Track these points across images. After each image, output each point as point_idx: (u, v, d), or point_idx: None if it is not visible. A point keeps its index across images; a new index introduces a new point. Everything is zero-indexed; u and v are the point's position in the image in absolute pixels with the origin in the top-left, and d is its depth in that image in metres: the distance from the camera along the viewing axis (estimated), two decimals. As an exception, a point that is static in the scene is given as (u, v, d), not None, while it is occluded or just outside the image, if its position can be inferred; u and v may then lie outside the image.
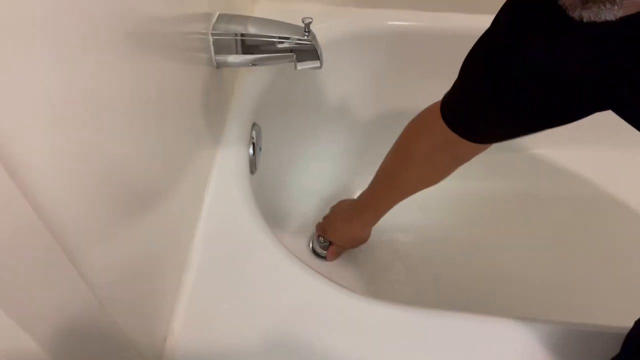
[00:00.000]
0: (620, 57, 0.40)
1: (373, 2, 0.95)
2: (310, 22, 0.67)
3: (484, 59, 0.53)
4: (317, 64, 0.70)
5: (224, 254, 0.63)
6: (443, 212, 1.05)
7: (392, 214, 1.03)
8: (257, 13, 0.93)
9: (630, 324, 0.50)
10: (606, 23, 0.31)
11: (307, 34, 0.68)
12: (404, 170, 0.72)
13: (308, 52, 0.69)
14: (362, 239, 0.89)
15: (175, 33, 0.53)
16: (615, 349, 0.50)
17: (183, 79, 0.57)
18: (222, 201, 0.68)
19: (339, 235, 0.88)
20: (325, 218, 0.91)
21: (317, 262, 0.96)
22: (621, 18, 0.31)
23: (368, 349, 0.56)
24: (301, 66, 0.70)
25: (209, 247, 0.64)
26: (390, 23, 0.95)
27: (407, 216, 1.03)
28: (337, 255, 0.93)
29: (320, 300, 0.60)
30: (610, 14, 0.30)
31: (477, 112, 0.58)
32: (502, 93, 0.52)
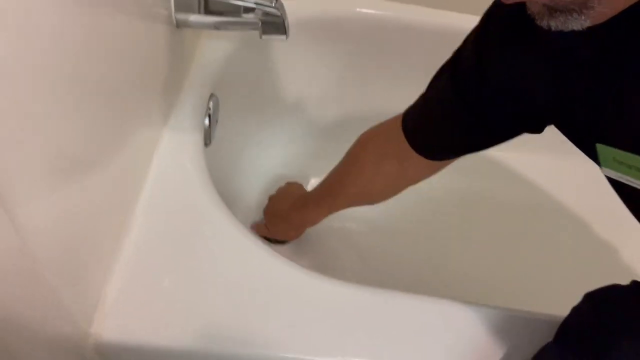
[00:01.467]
0: (577, 75, 0.41)
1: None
2: (278, -11, 0.65)
3: (450, 74, 0.54)
4: (283, 35, 0.67)
5: (169, 224, 0.60)
6: (395, 205, 1.04)
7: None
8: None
9: (565, 312, 0.51)
10: (566, 39, 0.32)
11: (275, 1, 0.65)
12: (352, 174, 0.70)
13: (274, 21, 0.66)
14: (295, 236, 0.87)
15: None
16: (552, 335, 0.51)
17: (137, 34, 0.53)
18: (171, 170, 0.64)
19: (274, 227, 0.85)
20: (268, 205, 0.88)
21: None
22: (586, 31, 0.31)
23: (312, 324, 0.54)
24: (266, 35, 0.67)
25: (153, 215, 0.60)
26: (359, 10, 0.94)
27: (358, 207, 1.03)
28: (259, 234, 0.87)
29: (278, 279, 0.57)
30: (577, 23, 0.30)
31: (436, 124, 0.58)
32: (462, 107, 0.53)
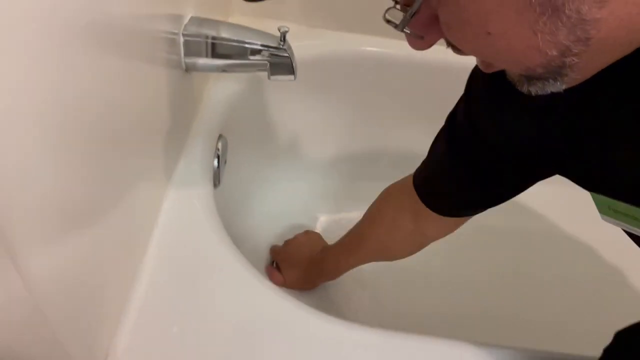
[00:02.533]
0: (560, 131, 0.42)
1: (350, 27, 0.95)
2: (286, 32, 0.65)
3: (446, 135, 0.55)
4: (291, 75, 0.68)
5: (180, 269, 0.59)
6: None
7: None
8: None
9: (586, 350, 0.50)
10: (546, 97, 0.33)
11: (282, 43, 0.66)
12: (372, 228, 0.71)
13: (282, 62, 0.67)
14: (308, 288, 0.85)
15: (142, 31, 0.50)
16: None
17: (148, 79, 0.53)
18: (181, 214, 0.63)
19: (290, 277, 0.83)
20: (284, 251, 0.86)
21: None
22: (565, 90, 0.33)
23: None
24: (274, 77, 0.67)
25: (163, 261, 0.58)
26: (365, 49, 0.95)
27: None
28: (278, 282, 0.86)
29: (289, 323, 0.56)
30: (554, 87, 0.32)
31: (443, 185, 0.59)
32: (461, 168, 0.54)
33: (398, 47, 0.94)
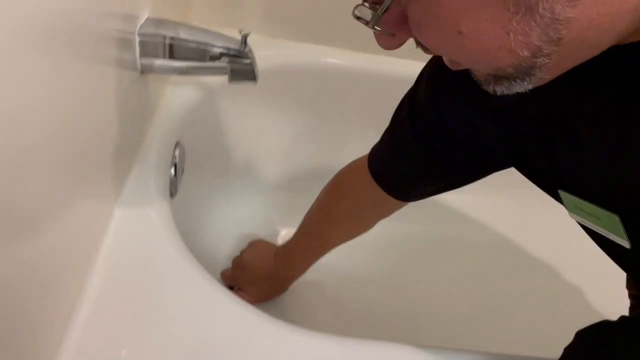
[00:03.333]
0: (527, 129, 0.43)
1: (311, 38, 0.94)
2: (247, 35, 0.63)
3: (408, 116, 0.55)
4: (252, 81, 0.66)
5: (132, 281, 0.54)
6: (370, 254, 1.02)
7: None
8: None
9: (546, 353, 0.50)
10: (513, 96, 0.33)
11: (244, 47, 0.64)
12: (328, 228, 0.72)
13: (244, 68, 0.65)
14: (279, 293, 0.83)
15: (91, 28, 0.46)
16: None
17: (97, 79, 0.50)
18: (134, 223, 0.59)
19: (255, 294, 0.79)
20: (237, 275, 0.82)
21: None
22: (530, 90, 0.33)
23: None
24: (235, 80, 0.65)
25: (113, 274, 0.54)
26: (326, 60, 0.94)
27: (333, 256, 0.99)
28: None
29: (253, 334, 0.53)
30: (520, 87, 0.32)
31: (403, 169, 0.59)
32: (423, 153, 0.55)
33: (358, 59, 0.94)
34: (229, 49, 0.63)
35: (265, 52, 0.89)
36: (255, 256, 0.83)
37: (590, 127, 0.37)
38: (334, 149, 1.04)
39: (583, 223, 0.43)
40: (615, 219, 0.38)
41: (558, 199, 0.45)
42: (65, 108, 0.42)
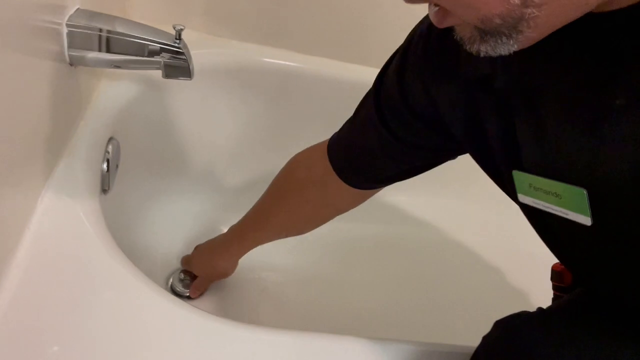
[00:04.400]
0: (491, 105, 0.42)
1: (251, 37, 0.94)
2: (182, 30, 0.63)
3: (374, 101, 0.55)
4: (187, 74, 0.65)
5: (55, 278, 0.53)
6: (311, 252, 1.03)
7: (260, 253, 0.98)
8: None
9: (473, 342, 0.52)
10: (480, 69, 0.34)
11: (178, 42, 0.64)
12: (275, 203, 0.70)
13: (179, 63, 0.65)
14: (227, 272, 0.83)
15: (14, 17, 0.46)
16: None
17: (17, 69, 0.49)
18: (60, 218, 0.58)
19: (203, 266, 0.82)
20: (193, 252, 0.85)
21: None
22: (499, 62, 0.33)
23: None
24: (170, 76, 0.65)
25: (34, 270, 0.53)
26: (267, 60, 0.95)
27: (275, 255, 1.00)
28: (201, 291, 0.85)
29: (187, 330, 0.53)
30: (505, 48, 0.31)
31: (361, 152, 0.58)
32: (386, 134, 0.54)
33: (300, 60, 0.95)
34: (163, 44, 0.63)
35: (206, 50, 0.89)
36: (205, 243, 0.83)
37: (559, 101, 0.37)
38: (277, 149, 1.04)
39: (536, 205, 0.42)
40: (582, 192, 0.37)
41: (507, 184, 0.44)
42: None
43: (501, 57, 0.34)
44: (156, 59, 0.63)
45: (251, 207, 0.75)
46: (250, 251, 0.87)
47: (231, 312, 0.90)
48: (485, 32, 0.31)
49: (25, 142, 0.53)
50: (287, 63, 0.94)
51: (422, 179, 1.07)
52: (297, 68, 0.95)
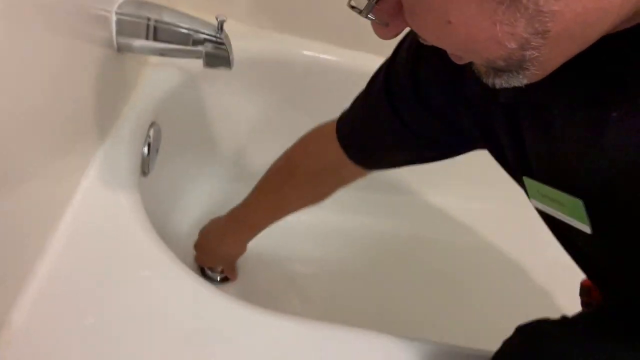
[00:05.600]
0: (500, 113, 0.44)
1: (295, 30, 0.96)
2: (224, 21, 0.65)
3: (384, 84, 0.55)
4: (227, 67, 0.67)
5: (93, 251, 0.56)
6: (342, 248, 1.04)
7: (290, 245, 1.00)
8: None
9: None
10: None
11: (220, 32, 0.66)
12: (287, 187, 0.71)
13: (219, 53, 0.67)
14: (238, 254, 0.84)
15: (66, 3, 0.49)
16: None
17: (71, 53, 0.52)
18: (100, 197, 0.61)
19: (213, 257, 0.83)
20: (197, 246, 0.85)
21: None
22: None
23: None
24: (210, 65, 0.67)
25: (74, 241, 0.56)
26: (307, 53, 0.95)
27: (305, 248, 1.01)
28: (234, 272, 0.88)
29: (214, 313, 0.55)
30: (517, 81, 0.33)
31: (373, 137, 0.59)
32: (397, 120, 0.54)
33: (340, 54, 0.95)
34: (206, 34, 0.65)
35: (246, 42, 0.91)
36: (207, 229, 0.84)
37: (566, 117, 0.38)
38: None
39: (544, 210, 0.44)
40: (579, 203, 0.39)
41: (522, 185, 0.46)
42: (39, 77, 0.44)
43: None
44: (199, 48, 0.65)
45: (257, 185, 0.75)
46: (281, 242, 0.89)
47: (258, 300, 0.92)
48: (497, 70, 0.33)
49: (72, 121, 0.56)
50: (328, 57, 0.95)
51: (459, 180, 1.07)
52: (337, 61, 0.95)
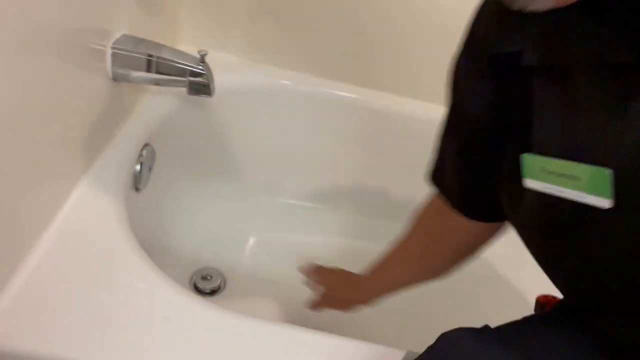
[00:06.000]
0: (515, 83, 0.43)
1: (289, 64, 1.04)
2: (205, 55, 0.74)
3: (451, 134, 0.55)
4: (208, 92, 0.76)
5: (75, 254, 0.64)
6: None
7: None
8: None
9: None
10: (509, 51, 0.37)
11: (202, 64, 0.75)
12: (427, 273, 0.69)
13: (201, 82, 0.75)
14: (358, 307, 0.82)
15: (66, 38, 0.59)
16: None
17: (68, 81, 0.62)
18: (87, 208, 0.69)
19: (342, 294, 0.82)
20: (328, 295, 0.83)
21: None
22: (528, 41, 0.36)
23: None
24: (193, 92, 0.76)
25: (59, 246, 0.64)
26: (285, 82, 1.03)
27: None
28: (320, 309, 0.85)
29: (196, 323, 0.60)
30: (541, 3, 0.33)
31: (478, 190, 0.55)
32: (470, 163, 0.53)
33: (322, 84, 1.02)
34: (188, 65, 0.74)
35: (242, 73, 1.01)
36: (341, 284, 0.82)
37: (588, 82, 0.37)
38: (307, 168, 1.13)
39: (545, 190, 0.40)
40: (605, 173, 0.36)
41: (511, 177, 0.44)
42: (39, 97, 0.54)
43: (533, 33, 0.37)
44: (181, 80, 0.74)
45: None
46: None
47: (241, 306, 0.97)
48: None
49: (66, 140, 0.65)
50: (304, 88, 1.03)
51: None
52: (315, 92, 1.03)
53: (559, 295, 0.54)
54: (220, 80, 0.79)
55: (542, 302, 0.60)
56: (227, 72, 0.96)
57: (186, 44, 1.02)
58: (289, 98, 1.03)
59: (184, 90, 0.90)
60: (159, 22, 0.89)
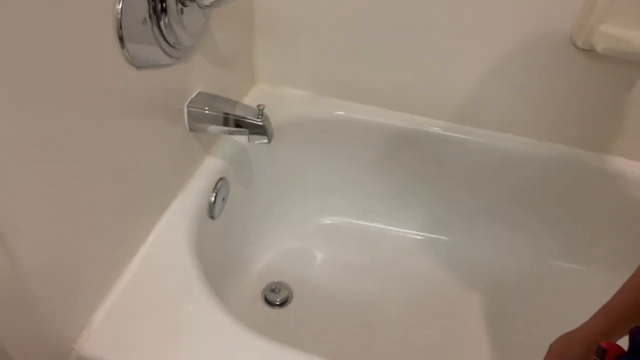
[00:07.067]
0: None
1: (350, 96, 1.13)
2: (263, 108, 0.86)
3: None
4: (265, 140, 0.87)
5: (155, 280, 0.79)
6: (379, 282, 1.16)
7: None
8: (254, 94, 1.14)
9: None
10: None
11: (260, 116, 0.86)
12: None
13: (260, 130, 0.87)
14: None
15: (151, 101, 0.74)
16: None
17: (152, 134, 0.77)
18: (169, 234, 0.84)
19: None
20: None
21: (267, 309, 1.11)
22: None
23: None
24: (252, 140, 0.88)
25: (145, 270, 0.79)
26: (371, 119, 1.13)
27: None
28: None
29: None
30: None
31: None
32: None
33: (367, 112, 1.11)
34: (248, 118, 0.86)
35: (314, 107, 1.11)
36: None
37: None
38: (373, 204, 1.22)
39: None
40: None
41: None
42: (131, 150, 0.70)
43: None
44: (243, 129, 0.86)
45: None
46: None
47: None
48: None
49: (149, 182, 0.80)
50: (372, 119, 1.12)
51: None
52: (365, 120, 1.12)
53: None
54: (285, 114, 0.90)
55: (605, 348, 0.60)
56: (298, 105, 1.09)
57: (261, 83, 1.15)
58: (342, 126, 1.12)
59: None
60: (232, 74, 1.03)
